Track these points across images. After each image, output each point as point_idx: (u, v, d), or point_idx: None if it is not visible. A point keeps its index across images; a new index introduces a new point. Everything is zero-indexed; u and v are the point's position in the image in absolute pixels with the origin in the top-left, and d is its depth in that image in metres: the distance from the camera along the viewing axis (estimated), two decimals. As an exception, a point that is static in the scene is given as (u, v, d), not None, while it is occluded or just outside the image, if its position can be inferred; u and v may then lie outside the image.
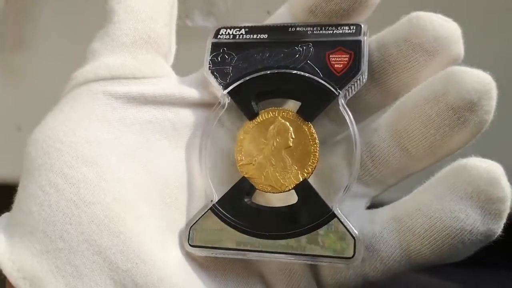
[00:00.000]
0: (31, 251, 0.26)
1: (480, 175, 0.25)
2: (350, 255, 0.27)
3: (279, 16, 0.32)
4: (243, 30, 0.31)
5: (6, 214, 0.28)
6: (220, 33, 0.32)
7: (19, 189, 0.28)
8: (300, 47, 0.30)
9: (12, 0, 0.56)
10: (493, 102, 0.27)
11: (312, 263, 0.28)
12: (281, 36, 0.31)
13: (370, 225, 0.28)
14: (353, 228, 0.27)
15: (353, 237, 0.27)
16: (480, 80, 0.27)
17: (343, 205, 0.28)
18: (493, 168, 0.26)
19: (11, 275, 0.25)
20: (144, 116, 0.30)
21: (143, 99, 0.30)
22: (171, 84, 0.31)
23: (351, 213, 0.28)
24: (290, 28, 0.31)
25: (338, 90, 0.29)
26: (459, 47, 0.29)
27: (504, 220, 0.25)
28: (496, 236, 0.26)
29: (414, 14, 0.29)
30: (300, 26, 0.31)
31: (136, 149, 0.29)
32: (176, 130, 0.30)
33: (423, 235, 0.26)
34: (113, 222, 0.26)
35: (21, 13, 0.57)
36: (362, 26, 0.30)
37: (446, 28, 0.28)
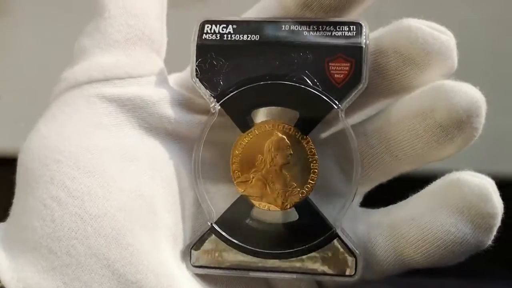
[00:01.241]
0: (36, 268, 0.25)
1: (472, 191, 0.26)
2: (352, 273, 0.28)
3: (268, 9, 0.29)
4: (230, 27, 0.28)
5: (1, 225, 0.27)
6: (205, 31, 0.28)
7: (16, 201, 0.27)
8: (297, 53, 0.28)
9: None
10: (482, 119, 0.27)
11: (313, 279, 0.29)
12: (275, 37, 0.28)
13: (366, 228, 0.29)
14: (354, 248, 0.28)
15: (355, 256, 0.28)
16: (469, 99, 0.26)
17: (343, 223, 0.28)
18: (485, 184, 0.26)
19: None
20: (140, 118, 0.28)
21: (139, 100, 0.28)
22: (165, 84, 0.29)
23: (332, 209, 0.29)
24: (283, 26, 0.28)
25: (339, 105, 0.27)
26: (452, 61, 0.27)
27: (494, 233, 0.27)
28: (486, 246, 0.27)
29: (405, 23, 0.27)
30: (294, 24, 0.28)
31: (135, 154, 0.28)
32: (171, 133, 0.29)
33: (415, 244, 0.27)
34: (120, 234, 0.26)
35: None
36: (363, 26, 0.28)
37: (439, 42, 0.27)
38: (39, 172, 0.26)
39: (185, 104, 0.29)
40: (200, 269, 0.28)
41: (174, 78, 0.31)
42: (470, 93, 0.26)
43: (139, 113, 0.28)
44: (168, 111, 0.29)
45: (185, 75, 0.30)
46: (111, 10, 0.28)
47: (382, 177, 0.30)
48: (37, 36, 0.52)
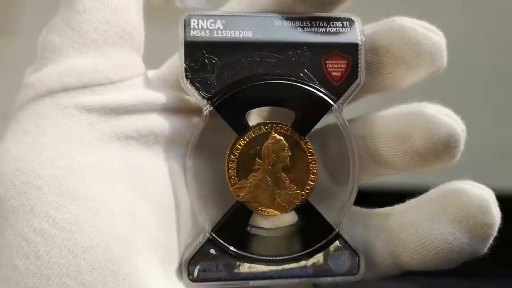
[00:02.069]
0: None
1: (471, 201, 0.27)
2: (356, 272, 0.28)
3: (260, 1, 0.27)
4: (219, 22, 0.26)
5: None
6: (192, 27, 0.26)
7: None
8: (294, 51, 0.27)
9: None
10: (460, 149, 0.27)
11: (318, 282, 0.28)
12: (268, 33, 0.27)
13: (364, 231, 0.29)
14: (357, 246, 0.28)
15: (358, 255, 0.28)
16: (447, 131, 0.26)
17: (344, 223, 0.28)
18: (485, 195, 0.27)
19: None
20: (124, 128, 0.25)
21: (121, 109, 0.25)
22: (149, 87, 0.26)
23: (332, 209, 0.28)
24: (276, 22, 0.27)
25: (337, 102, 0.27)
26: (442, 61, 0.27)
27: (490, 242, 0.27)
28: (481, 254, 0.28)
29: (398, 22, 0.27)
30: (288, 20, 0.27)
31: (122, 169, 0.25)
32: (158, 141, 0.26)
33: (413, 249, 0.28)
34: (116, 264, 0.23)
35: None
36: (355, 21, 0.27)
37: (431, 43, 0.27)
38: (16, 202, 0.23)
39: (174, 106, 0.27)
40: (199, 283, 0.27)
41: (156, 77, 0.28)
42: (448, 125, 0.26)
43: (123, 122, 0.25)
44: (156, 117, 0.26)
45: (167, 72, 0.28)
46: (86, 2, 0.25)
47: (366, 179, 0.30)
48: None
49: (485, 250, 0.27)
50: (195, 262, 0.27)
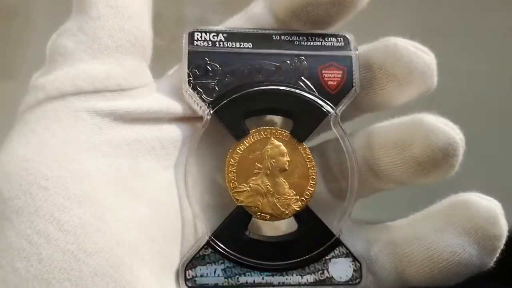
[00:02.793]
0: None
1: (479, 213, 0.26)
2: (358, 281, 0.27)
3: (257, 16, 0.29)
4: (221, 36, 0.28)
5: None
6: (196, 38, 0.28)
7: None
8: (292, 60, 0.28)
9: (1, 28, 0.56)
10: (458, 158, 0.27)
11: None
12: (268, 46, 0.28)
13: (366, 244, 0.28)
14: (359, 254, 0.27)
15: (359, 263, 0.27)
16: (446, 139, 0.27)
17: (344, 229, 0.28)
18: (493, 207, 0.27)
19: None
20: (132, 135, 0.25)
21: (130, 116, 0.25)
22: (156, 96, 0.27)
23: (332, 216, 0.28)
24: (274, 36, 0.28)
25: (335, 110, 0.28)
26: (433, 80, 0.28)
27: (497, 254, 0.27)
28: (488, 267, 0.27)
29: (392, 41, 0.28)
30: (285, 35, 0.28)
31: (128, 176, 0.25)
32: (164, 148, 0.27)
33: (419, 263, 0.27)
34: (119, 271, 0.22)
35: (9, 41, 0.57)
36: (349, 38, 0.29)
37: (422, 62, 0.28)
38: (21, 203, 0.22)
39: (179, 115, 0.27)
40: None
41: (161, 87, 0.28)
42: (447, 133, 0.27)
43: (131, 129, 0.25)
44: (162, 125, 0.27)
45: (176, 82, 0.28)
46: (100, 9, 0.25)
47: (363, 193, 0.30)
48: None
49: (492, 263, 0.27)
50: (192, 267, 0.26)
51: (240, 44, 0.28)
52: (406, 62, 0.27)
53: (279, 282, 0.27)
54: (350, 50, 0.28)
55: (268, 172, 0.27)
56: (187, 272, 0.26)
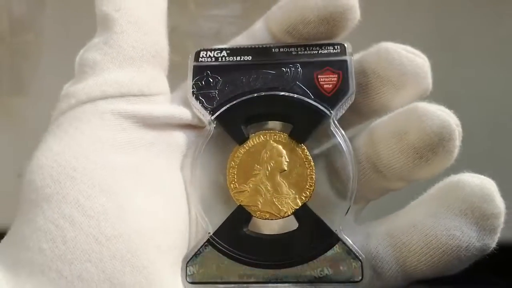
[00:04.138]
0: None
1: (474, 192, 0.26)
2: (359, 279, 0.27)
3: (257, 33, 0.31)
4: (224, 52, 0.30)
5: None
6: (201, 56, 0.30)
7: (20, 222, 0.25)
8: (287, 68, 0.29)
9: (10, 42, 0.56)
10: (455, 142, 0.26)
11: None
12: (266, 57, 0.30)
13: (365, 239, 0.28)
14: (359, 251, 0.27)
15: (360, 260, 0.27)
16: (441, 122, 0.26)
17: (345, 227, 0.28)
18: (487, 184, 0.26)
19: None
20: (148, 137, 0.28)
21: (149, 119, 0.28)
22: (172, 104, 0.30)
23: (344, 227, 0.28)
24: (273, 49, 0.30)
25: (331, 111, 0.28)
26: (427, 82, 0.28)
27: (498, 234, 0.26)
28: (490, 249, 0.26)
29: (383, 46, 0.29)
30: (283, 47, 0.30)
31: (146, 172, 0.27)
32: (171, 151, 0.29)
33: (419, 252, 0.26)
34: (135, 256, 0.24)
35: (20, 56, 0.57)
36: (346, 45, 0.29)
37: (414, 64, 0.28)
38: (51, 190, 0.25)
39: (190, 122, 0.30)
40: (199, 285, 0.27)
41: (174, 98, 0.31)
42: (441, 117, 0.26)
43: (150, 131, 0.28)
44: (176, 130, 0.29)
45: (184, 95, 0.31)
46: (123, 25, 0.28)
47: (372, 195, 0.30)
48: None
49: (493, 245, 0.26)
50: (193, 263, 0.28)
51: (241, 58, 0.30)
52: (398, 65, 0.28)
53: (277, 279, 0.27)
54: (346, 55, 0.29)
55: (267, 172, 0.28)
56: (188, 268, 0.27)
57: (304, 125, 0.29)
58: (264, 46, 0.30)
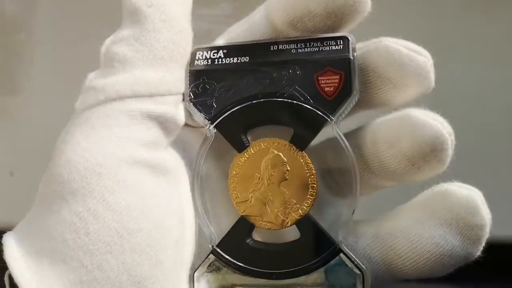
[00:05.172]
0: (63, 281, 0.24)
1: (459, 202, 0.26)
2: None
3: (257, 25, 0.30)
4: (221, 52, 0.29)
5: (13, 233, 0.26)
6: (197, 58, 0.29)
7: (41, 211, 0.26)
8: (286, 71, 0.28)
9: (2, 42, 0.56)
10: (447, 152, 0.26)
11: None
12: (264, 57, 0.29)
13: (354, 239, 0.28)
14: (360, 263, 0.27)
15: (361, 272, 0.27)
16: (433, 133, 0.26)
17: (346, 238, 0.28)
18: (473, 195, 0.26)
19: None
20: (170, 138, 0.28)
21: (172, 122, 0.28)
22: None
23: (333, 224, 0.28)
24: (272, 46, 0.29)
25: (331, 117, 0.27)
26: (429, 81, 0.27)
27: (483, 244, 0.26)
28: (475, 257, 0.26)
29: (383, 43, 0.27)
30: (282, 43, 0.29)
31: (167, 171, 0.28)
32: (188, 151, 0.30)
33: (404, 256, 0.27)
34: (154, 250, 0.25)
35: (13, 55, 0.57)
36: (350, 39, 0.28)
37: (416, 64, 0.27)
38: (77, 185, 0.25)
39: (191, 123, 0.30)
40: None
41: None
42: (434, 127, 0.26)
43: (171, 131, 0.28)
44: (196, 132, 0.30)
45: None
46: (156, 23, 0.27)
47: (366, 190, 0.30)
48: (49, 113, 0.52)
49: (478, 253, 0.26)
50: (200, 272, 0.28)
51: (238, 59, 0.29)
52: (399, 66, 0.27)
53: None
54: (348, 52, 0.28)
55: (268, 182, 0.28)
56: (195, 278, 0.28)
57: (304, 132, 0.28)
58: (262, 42, 0.29)
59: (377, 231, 0.28)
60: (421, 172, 0.27)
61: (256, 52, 0.29)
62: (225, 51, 0.29)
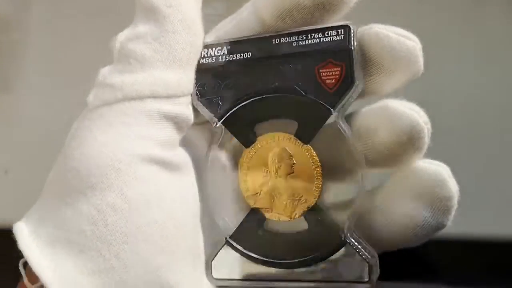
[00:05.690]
0: (81, 270, 0.25)
1: (429, 177, 0.28)
2: (366, 279, 0.28)
3: (245, 21, 0.30)
4: (225, 48, 0.30)
5: (24, 224, 0.27)
6: (203, 55, 0.30)
7: (57, 203, 0.27)
8: (287, 65, 0.29)
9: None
10: (424, 140, 0.28)
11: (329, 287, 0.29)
12: (266, 51, 0.29)
13: (334, 214, 0.29)
14: (366, 254, 0.28)
15: (368, 262, 0.28)
16: (409, 122, 0.27)
17: (352, 228, 0.28)
18: (441, 170, 0.28)
19: None
20: (183, 138, 0.29)
21: (186, 122, 0.29)
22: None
23: (339, 214, 0.29)
24: (274, 40, 0.29)
25: (332, 110, 0.28)
26: (418, 65, 0.28)
27: (452, 214, 0.28)
28: (445, 226, 0.29)
29: (374, 30, 0.28)
30: (284, 36, 0.29)
31: (181, 169, 0.29)
32: (198, 150, 0.31)
33: (379, 231, 0.29)
34: (167, 241, 0.26)
35: (6, 54, 0.57)
36: (351, 28, 0.28)
37: (405, 48, 0.28)
38: (96, 179, 0.26)
39: (198, 122, 0.31)
40: (221, 281, 0.29)
41: None
42: (411, 117, 0.27)
43: (184, 131, 0.29)
44: (206, 130, 0.31)
45: None
46: (175, 23, 0.28)
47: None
48: (42, 111, 0.53)
49: (448, 223, 0.28)
50: (215, 263, 0.29)
51: (241, 55, 0.30)
52: (389, 51, 0.28)
53: (290, 278, 0.28)
54: (349, 43, 0.28)
55: (276, 175, 0.29)
56: (213, 266, 0.29)
57: (308, 125, 0.29)
58: (264, 37, 0.29)
59: (355, 209, 0.29)
60: (400, 159, 0.29)
61: (258, 47, 0.29)
62: (228, 47, 0.30)
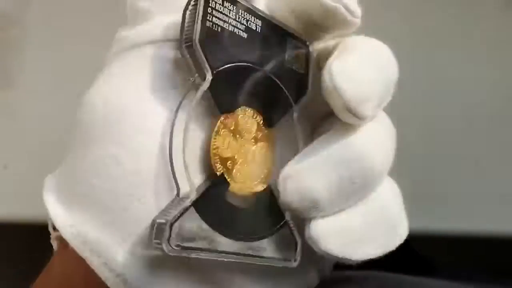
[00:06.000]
0: (96, 222, 0.26)
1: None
2: (292, 259, 0.30)
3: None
4: (234, 9, 0.29)
5: (52, 178, 0.28)
6: (210, 11, 0.28)
7: (72, 158, 0.28)
8: (275, 49, 0.30)
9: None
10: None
11: (261, 263, 0.29)
12: (271, 31, 0.30)
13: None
14: (297, 235, 0.30)
15: (296, 243, 0.30)
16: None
17: None
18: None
19: (78, 247, 0.26)
20: (176, 82, 0.29)
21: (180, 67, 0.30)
22: None
23: None
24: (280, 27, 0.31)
25: (293, 105, 0.31)
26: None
27: None
28: None
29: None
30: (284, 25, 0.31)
31: (177, 116, 0.29)
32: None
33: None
34: (172, 190, 0.27)
35: (6, 50, 0.57)
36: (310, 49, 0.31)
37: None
38: (100, 132, 0.27)
39: None
40: (176, 248, 0.27)
41: None
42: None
43: (179, 77, 0.29)
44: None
45: None
46: None
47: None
48: (43, 107, 0.53)
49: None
50: (175, 226, 0.27)
51: (253, 21, 0.30)
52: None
53: (237, 251, 0.28)
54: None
55: (244, 145, 0.30)
56: (171, 232, 0.26)
57: (273, 111, 0.31)
58: (274, 21, 0.31)
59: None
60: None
61: (267, 23, 0.31)
62: (244, 8, 0.30)
